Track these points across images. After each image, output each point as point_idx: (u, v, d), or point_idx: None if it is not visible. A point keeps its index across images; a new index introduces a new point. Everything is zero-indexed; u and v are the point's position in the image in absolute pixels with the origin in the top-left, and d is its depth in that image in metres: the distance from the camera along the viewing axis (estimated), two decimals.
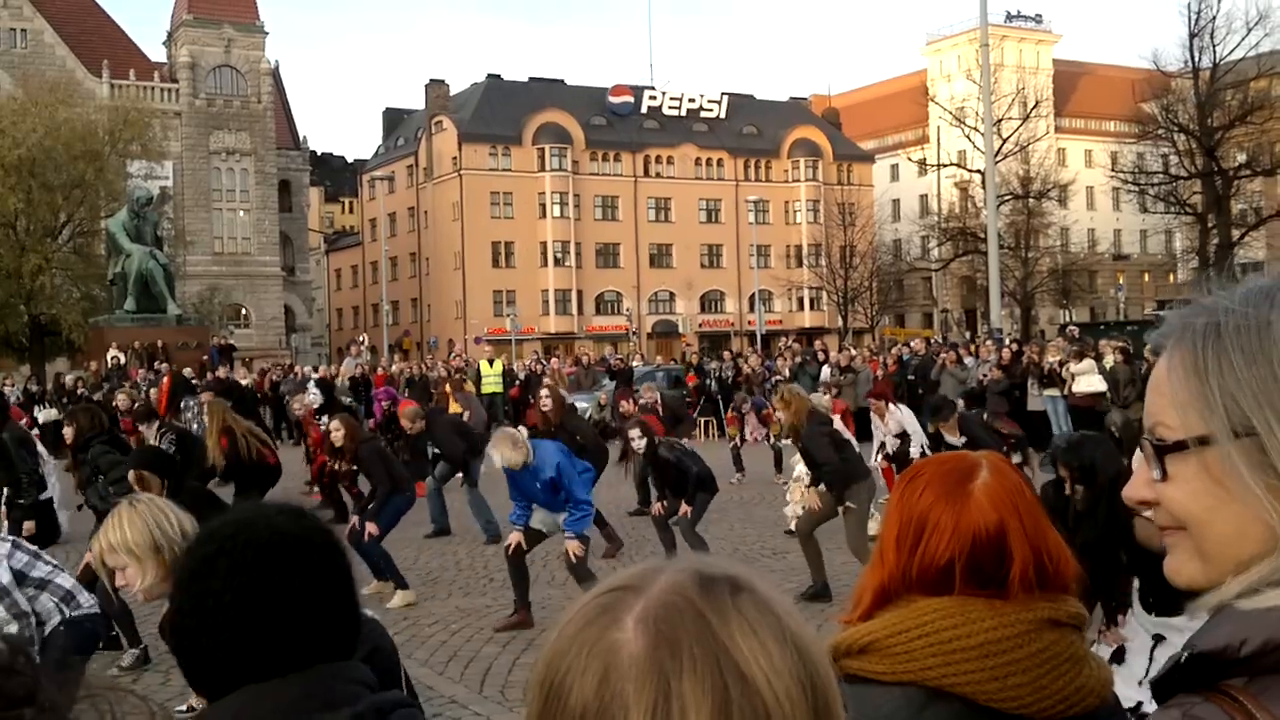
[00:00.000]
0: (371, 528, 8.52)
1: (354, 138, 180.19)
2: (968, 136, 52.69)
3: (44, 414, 21.26)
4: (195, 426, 15.27)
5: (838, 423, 9.98)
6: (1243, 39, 42.95)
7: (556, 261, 64.28)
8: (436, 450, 11.92)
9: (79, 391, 23.26)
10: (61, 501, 11.09)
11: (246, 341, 49.15)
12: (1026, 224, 54.87)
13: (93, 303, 40.67)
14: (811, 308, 68.07)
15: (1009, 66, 69.11)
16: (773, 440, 15.09)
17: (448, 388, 17.53)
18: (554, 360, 31.76)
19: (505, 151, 64.39)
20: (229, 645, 1.36)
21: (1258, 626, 0.85)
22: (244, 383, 22.73)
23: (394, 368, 26.05)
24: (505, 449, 7.54)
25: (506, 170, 64.31)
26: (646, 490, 9.82)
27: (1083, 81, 78.20)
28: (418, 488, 10.25)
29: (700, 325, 66.45)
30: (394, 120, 75.48)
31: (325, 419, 13.71)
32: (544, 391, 11.65)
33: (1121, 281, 67.83)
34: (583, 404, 22.21)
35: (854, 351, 26.52)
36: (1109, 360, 17.40)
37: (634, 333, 58.49)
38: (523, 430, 10.19)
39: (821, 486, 8.47)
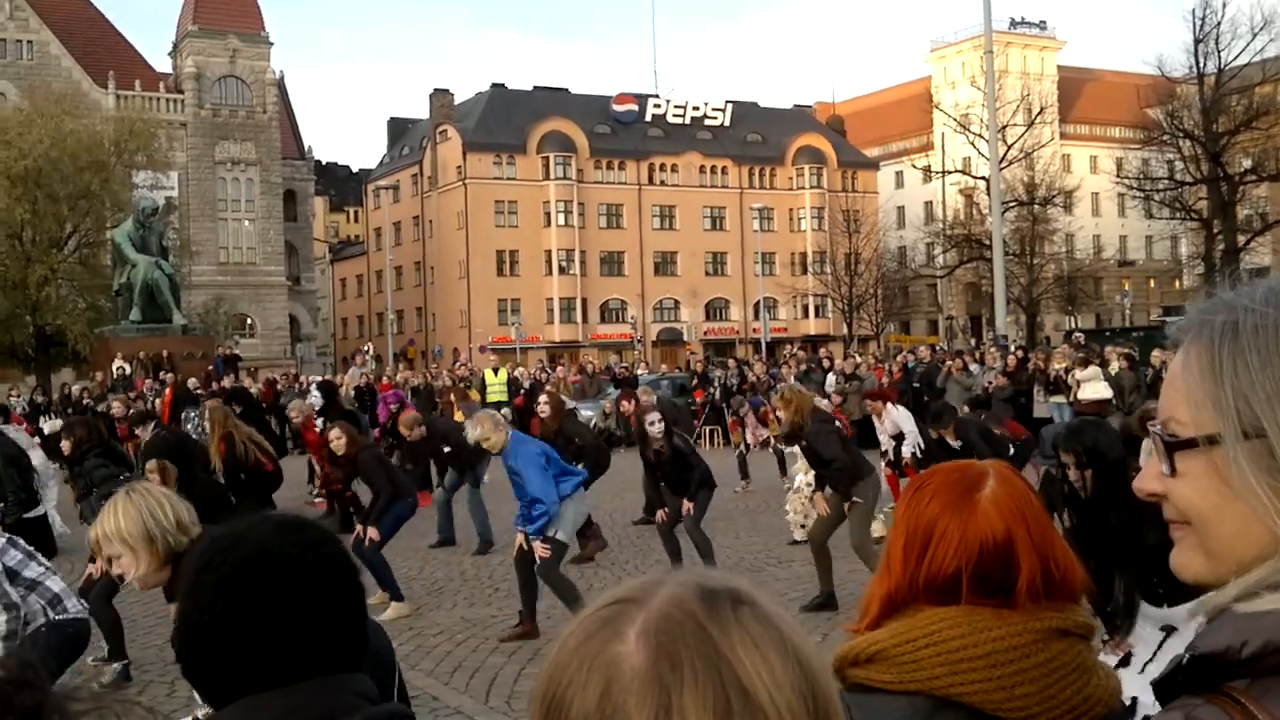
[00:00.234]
0: (373, 533, 8.51)
1: (359, 147, 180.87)
2: (972, 143, 52.70)
3: (49, 424, 21.35)
4: (196, 438, 15.28)
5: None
6: (1248, 44, 42.98)
7: (561, 270, 64.37)
8: (445, 458, 11.91)
9: (84, 402, 23.32)
10: (60, 510, 11.13)
11: (252, 351, 49.28)
12: (1031, 230, 54.83)
13: (98, 313, 40.80)
14: (816, 315, 68.06)
15: (1013, 73, 69.13)
16: (774, 443, 15.02)
17: (452, 396, 17.59)
18: (559, 368, 31.77)
19: (510, 160, 64.53)
20: (222, 658, 1.38)
21: (1258, 629, 0.85)
22: (241, 385, 22.76)
23: (399, 377, 26.08)
24: (485, 426, 7.59)
25: (511, 179, 64.44)
26: (657, 494, 9.75)
27: (1087, 88, 78.21)
28: (421, 497, 10.25)
29: (705, 333, 66.45)
30: (399, 130, 75.70)
31: (324, 422, 13.72)
32: (543, 397, 11.67)
33: (1127, 288, 67.76)
34: (588, 412, 22.21)
35: (859, 359, 26.52)
36: (1114, 367, 17.38)
37: (639, 341, 58.49)
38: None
39: (827, 491, 8.42)
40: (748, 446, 16.22)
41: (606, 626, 0.76)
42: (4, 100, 52.01)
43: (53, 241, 43.49)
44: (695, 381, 25.45)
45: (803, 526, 10.13)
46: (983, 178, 44.75)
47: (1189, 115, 44.73)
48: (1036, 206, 54.60)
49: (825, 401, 12.35)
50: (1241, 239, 45.24)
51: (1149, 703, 0.98)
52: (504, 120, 64.94)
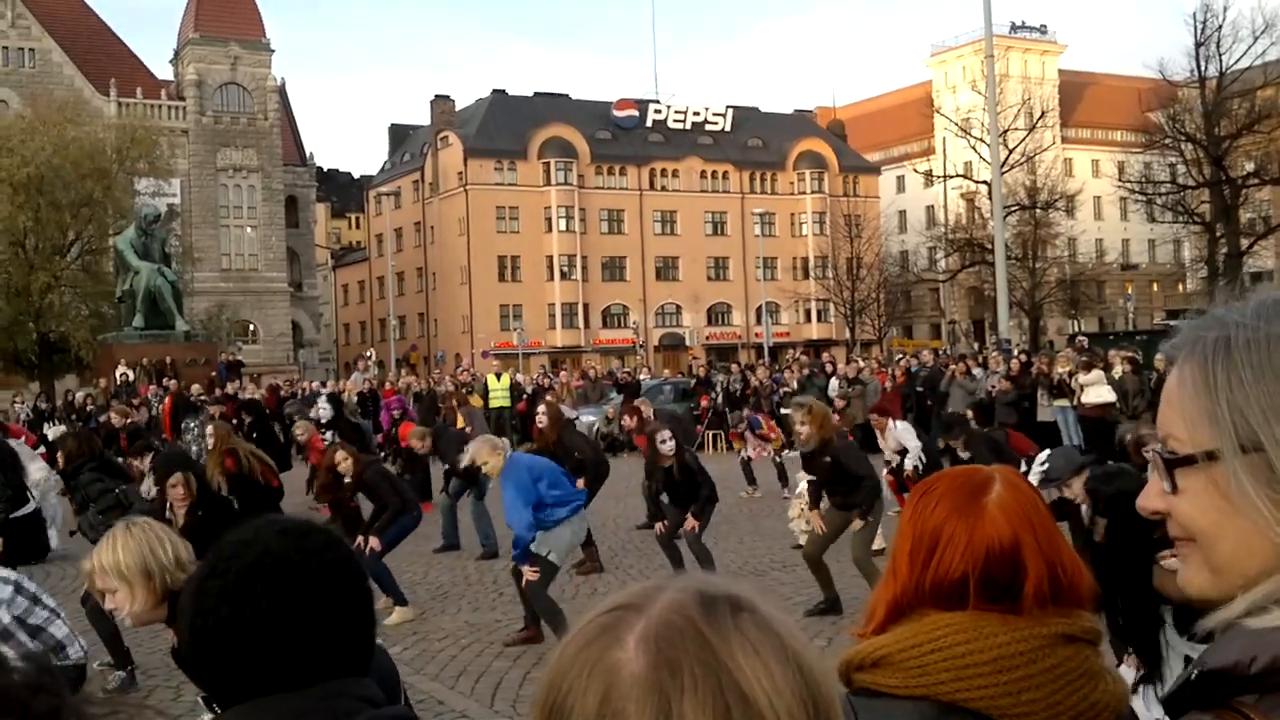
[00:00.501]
0: (374, 543, 8.51)
1: (360, 154, 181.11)
2: (974, 147, 52.74)
3: (54, 431, 21.35)
4: (195, 449, 15.28)
5: None
6: (1249, 47, 43.01)
7: (563, 275, 64.39)
8: (447, 467, 11.92)
9: (88, 408, 23.33)
10: (56, 520, 11.14)
11: (254, 357, 49.31)
12: (1034, 234, 54.83)
13: (101, 320, 40.83)
14: (819, 320, 68.05)
15: (1014, 77, 69.13)
16: (774, 455, 14.99)
17: (455, 402, 17.62)
18: (562, 374, 31.78)
19: (511, 166, 64.59)
20: (228, 663, 1.39)
21: (1267, 644, 0.85)
22: (247, 396, 22.76)
23: (401, 382, 26.08)
24: (483, 451, 7.58)
25: (512, 185, 64.50)
26: (657, 505, 9.72)
27: (1088, 91, 78.22)
28: (423, 507, 10.25)
29: (707, 338, 66.45)
30: (400, 136, 75.80)
31: (331, 434, 13.71)
32: (541, 408, 11.62)
33: (1130, 291, 67.70)
34: (590, 418, 22.21)
35: (862, 363, 26.50)
36: (1118, 370, 17.36)
37: (641, 346, 58.49)
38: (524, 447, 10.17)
39: (824, 506, 8.39)
40: (748, 458, 16.18)
41: (606, 633, 0.76)
42: (6, 108, 52.12)
43: (55, 248, 43.53)
44: (696, 385, 25.44)
45: (805, 531, 10.11)
46: (984, 182, 44.76)
47: (1191, 119, 44.72)
48: (1038, 210, 54.59)
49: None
50: (1244, 242, 45.21)
51: None
52: (505, 126, 65.01)
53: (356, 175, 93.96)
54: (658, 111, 69.38)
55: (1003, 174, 33.64)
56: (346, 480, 8.88)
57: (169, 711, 6.26)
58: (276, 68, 68.15)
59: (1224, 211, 44.30)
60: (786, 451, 16.01)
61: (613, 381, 27.52)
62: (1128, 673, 3.87)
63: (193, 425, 18.25)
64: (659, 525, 9.28)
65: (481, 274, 63.30)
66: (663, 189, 68.00)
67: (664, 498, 9.36)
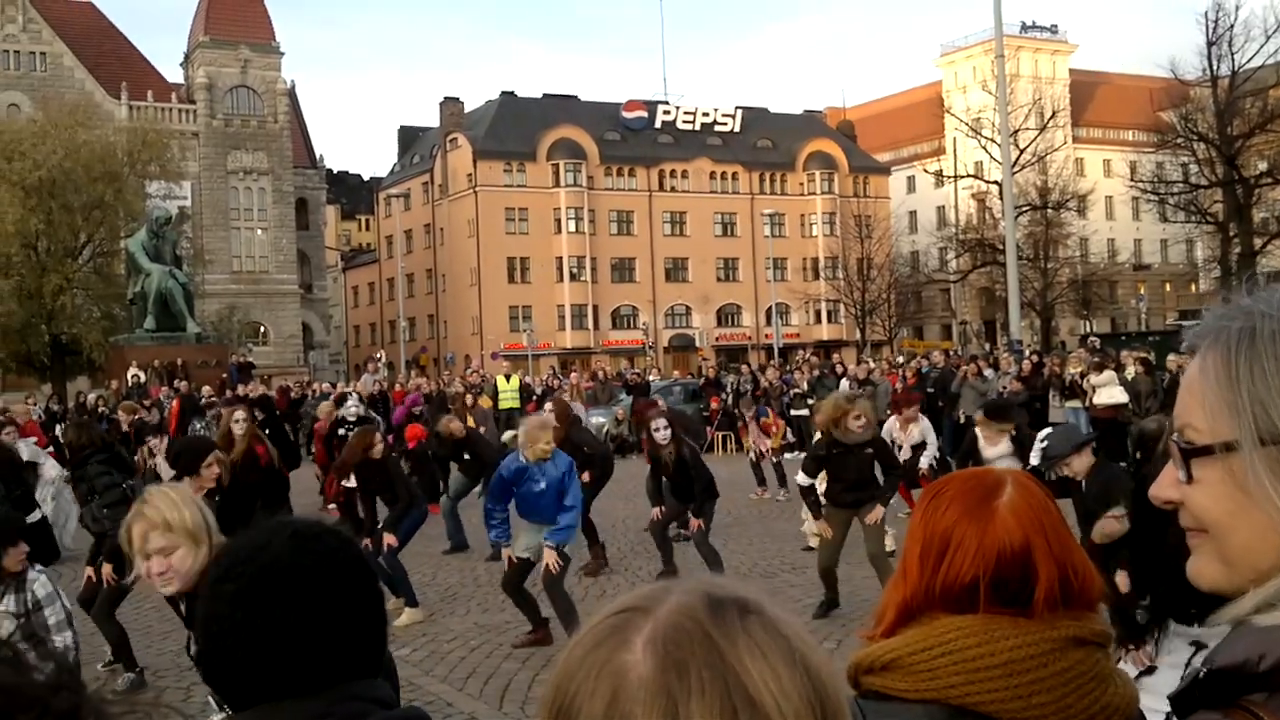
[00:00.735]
0: (390, 538, 8.59)
1: (370, 156, 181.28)
2: (984, 148, 52.59)
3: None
4: None
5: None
6: (1261, 46, 42.80)
7: (572, 276, 64.44)
8: (461, 464, 11.97)
9: (99, 410, 23.42)
10: (71, 520, 11.18)
11: (265, 359, 49.44)
12: (1045, 234, 54.70)
13: (113, 322, 41.03)
14: (829, 320, 67.97)
15: (1025, 77, 68.99)
16: (774, 456, 14.90)
17: (467, 400, 17.84)
18: (572, 374, 31.79)
19: (520, 168, 64.68)
20: (242, 666, 1.40)
21: (1276, 642, 0.84)
22: (256, 395, 22.84)
23: (411, 384, 26.11)
24: (537, 430, 7.57)
25: (521, 186, 64.58)
26: (657, 489, 9.74)
27: (1100, 91, 78.00)
28: (430, 508, 10.34)
29: (717, 339, 66.44)
30: (409, 138, 75.98)
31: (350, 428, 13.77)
32: (549, 405, 11.71)
33: (1143, 291, 67.49)
34: (600, 419, 22.21)
35: (872, 364, 26.43)
36: (1130, 371, 17.28)
37: (650, 347, 58.52)
38: None
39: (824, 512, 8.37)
40: (760, 454, 16.15)
41: (614, 635, 0.76)
42: (18, 112, 52.41)
43: (67, 251, 43.77)
44: (705, 386, 25.40)
45: (817, 535, 10.09)
46: (995, 182, 44.64)
47: (1203, 118, 44.53)
48: (1050, 210, 54.44)
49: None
50: (1258, 242, 45.01)
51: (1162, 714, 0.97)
52: (514, 128, 65.11)
53: (366, 177, 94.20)
54: (667, 113, 69.40)
55: (1014, 174, 33.56)
56: (375, 461, 8.97)
57: (183, 710, 6.27)
58: (286, 70, 68.37)
59: (1237, 211, 44.10)
60: (787, 454, 15.99)
61: (622, 383, 27.51)
62: (1129, 669, 3.84)
63: (199, 426, 18.34)
64: (655, 511, 9.29)
65: (491, 275, 63.39)
66: (672, 190, 68.01)
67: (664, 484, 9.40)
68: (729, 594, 0.78)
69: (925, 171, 67.55)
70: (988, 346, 46.88)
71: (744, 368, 27.02)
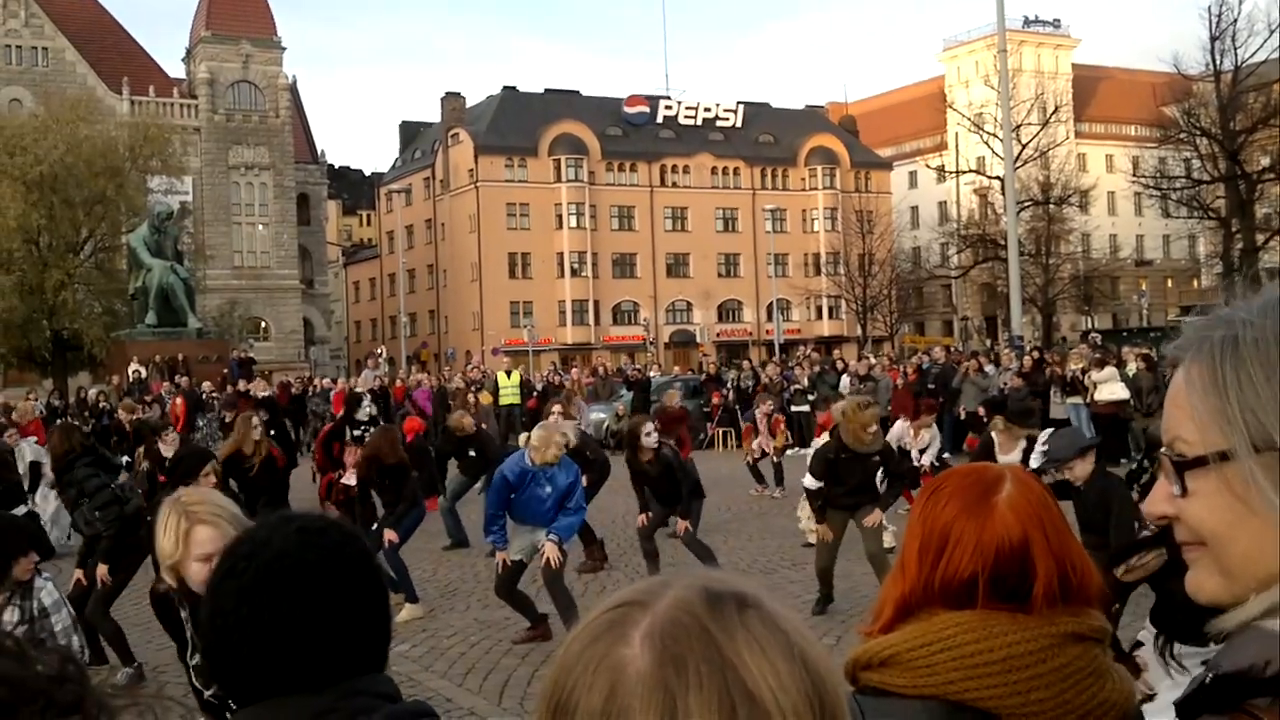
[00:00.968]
0: (390, 535, 8.62)
1: (371, 151, 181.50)
2: (986, 143, 52.47)
3: None
4: (209, 445, 15.54)
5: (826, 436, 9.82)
6: (1264, 41, 42.58)
7: (573, 272, 64.43)
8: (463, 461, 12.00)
9: (101, 405, 23.44)
10: (57, 516, 11.20)
11: (266, 354, 49.49)
12: (1047, 230, 54.56)
13: (114, 317, 41.07)
14: (830, 316, 67.94)
15: (1027, 71, 68.87)
16: (775, 456, 14.85)
17: (470, 397, 17.84)
18: (573, 370, 31.78)
19: (521, 163, 64.64)
20: (246, 662, 1.40)
21: None
22: (263, 395, 22.87)
23: (412, 380, 26.12)
24: (551, 436, 7.61)
25: (522, 181, 64.55)
26: (642, 494, 9.73)
27: (1102, 86, 77.87)
28: (429, 504, 10.43)
29: (718, 335, 66.42)
30: (410, 133, 75.92)
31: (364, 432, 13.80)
32: (556, 407, 11.78)
33: (1144, 287, 67.44)
34: (601, 415, 22.22)
35: (873, 360, 26.42)
36: (1132, 367, 17.28)
37: (651, 343, 58.46)
38: None
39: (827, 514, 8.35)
40: (763, 453, 16.10)
41: (612, 629, 0.76)
42: (20, 106, 52.43)
43: (69, 246, 43.78)
44: (706, 382, 25.39)
45: (814, 530, 10.09)
46: (997, 177, 44.57)
47: (1206, 113, 44.40)
48: (1052, 206, 54.33)
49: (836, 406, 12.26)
50: (1260, 238, 44.90)
51: None
52: (515, 123, 65.06)
53: (368, 172, 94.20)
54: (668, 108, 69.32)
55: (1016, 169, 33.49)
56: (389, 463, 9.00)
57: (185, 703, 6.28)
58: (288, 65, 68.34)
59: (1239, 207, 44.00)
60: (787, 451, 15.97)
61: (623, 379, 27.52)
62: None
63: (201, 424, 18.39)
64: (641, 518, 9.29)
65: (492, 271, 63.39)
66: (673, 185, 67.96)
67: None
68: (727, 589, 0.78)
69: (927, 167, 67.52)
70: (989, 342, 46.88)
71: (745, 364, 27.02)
